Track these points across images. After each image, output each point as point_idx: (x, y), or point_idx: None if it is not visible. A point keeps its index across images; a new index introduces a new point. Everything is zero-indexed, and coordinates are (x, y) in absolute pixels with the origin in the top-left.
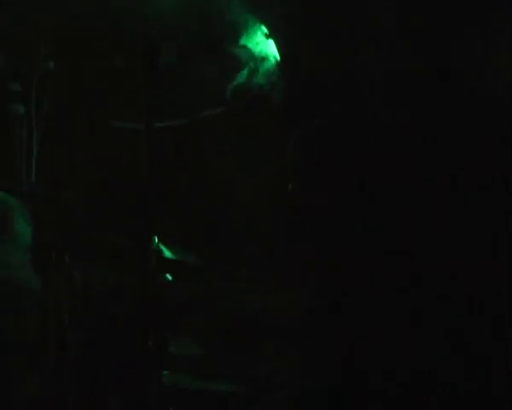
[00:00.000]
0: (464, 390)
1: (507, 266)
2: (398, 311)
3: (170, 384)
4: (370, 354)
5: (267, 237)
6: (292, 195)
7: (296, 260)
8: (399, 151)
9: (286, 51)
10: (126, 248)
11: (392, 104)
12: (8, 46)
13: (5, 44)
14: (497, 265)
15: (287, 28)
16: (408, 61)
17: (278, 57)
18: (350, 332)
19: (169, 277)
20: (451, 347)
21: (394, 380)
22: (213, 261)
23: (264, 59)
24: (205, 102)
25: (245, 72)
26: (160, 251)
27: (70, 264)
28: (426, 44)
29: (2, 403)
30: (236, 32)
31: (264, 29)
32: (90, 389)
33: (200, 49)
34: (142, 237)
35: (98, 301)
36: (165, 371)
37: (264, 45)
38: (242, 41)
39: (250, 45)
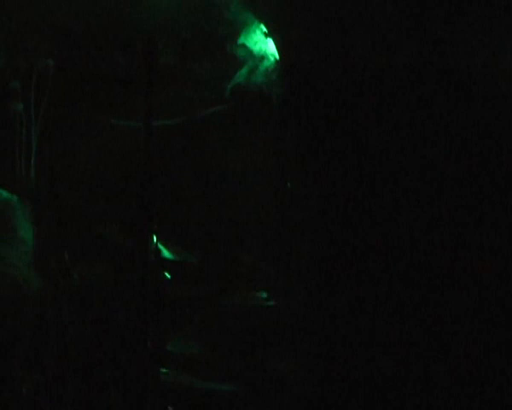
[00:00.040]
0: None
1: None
2: (397, 310)
3: (168, 383)
4: (370, 354)
5: (267, 234)
6: (290, 192)
7: (296, 257)
8: (399, 150)
9: (285, 50)
10: (125, 246)
11: (392, 103)
12: (8, 44)
13: (4, 42)
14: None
15: (286, 27)
16: (408, 59)
17: (277, 56)
18: (349, 332)
19: (168, 275)
20: (450, 346)
21: (393, 380)
22: (213, 260)
23: (263, 57)
24: (204, 101)
25: (244, 70)
26: (159, 250)
27: (69, 262)
28: (426, 43)
29: (2, 402)
30: (235, 30)
31: (263, 28)
32: (89, 387)
33: (198, 48)
34: (141, 236)
35: (97, 300)
36: (163, 370)
37: (263, 44)
38: (241, 40)
39: (249, 44)
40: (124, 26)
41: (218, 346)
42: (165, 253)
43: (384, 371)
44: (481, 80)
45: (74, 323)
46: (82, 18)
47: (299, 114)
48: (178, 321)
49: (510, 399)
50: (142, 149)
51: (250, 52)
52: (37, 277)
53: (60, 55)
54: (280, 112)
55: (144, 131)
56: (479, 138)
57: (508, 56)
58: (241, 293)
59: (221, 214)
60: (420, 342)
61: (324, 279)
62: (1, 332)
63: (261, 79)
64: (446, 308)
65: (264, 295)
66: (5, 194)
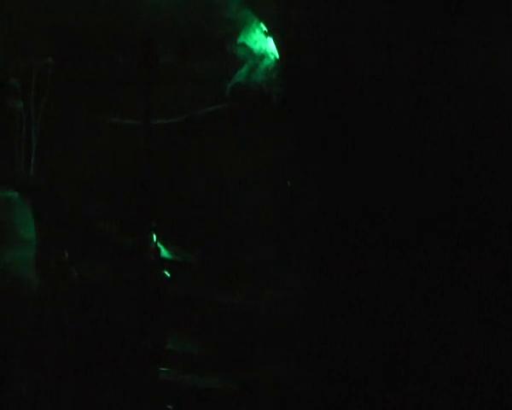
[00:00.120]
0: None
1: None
2: (397, 310)
3: (168, 381)
4: (369, 353)
5: (267, 233)
6: (290, 192)
7: (296, 257)
8: (399, 149)
9: (285, 49)
10: (126, 245)
11: (391, 102)
12: (8, 44)
13: (4, 41)
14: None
15: (285, 26)
16: (408, 59)
17: (277, 55)
18: (349, 331)
19: (167, 274)
20: (450, 345)
21: (393, 380)
22: (213, 260)
23: (263, 56)
24: (204, 100)
25: (244, 70)
26: (159, 250)
27: (69, 260)
28: (426, 43)
29: (2, 402)
30: (235, 30)
31: (263, 27)
32: (89, 387)
33: (198, 48)
34: (141, 236)
35: (97, 300)
36: (163, 368)
37: (263, 43)
38: (241, 39)
39: (249, 43)
40: (124, 26)
41: (218, 346)
42: (165, 252)
43: (384, 371)
44: (481, 80)
45: (74, 323)
46: (82, 18)
47: (299, 113)
48: (178, 321)
49: (510, 399)
50: (142, 149)
51: (250, 51)
52: (37, 277)
53: (59, 54)
54: (280, 111)
55: (144, 130)
56: (478, 138)
57: (508, 56)
58: (241, 293)
59: (221, 214)
60: (420, 342)
61: (324, 279)
62: (1, 332)
63: (261, 77)
64: (446, 308)
65: (265, 294)
66: (5, 192)
